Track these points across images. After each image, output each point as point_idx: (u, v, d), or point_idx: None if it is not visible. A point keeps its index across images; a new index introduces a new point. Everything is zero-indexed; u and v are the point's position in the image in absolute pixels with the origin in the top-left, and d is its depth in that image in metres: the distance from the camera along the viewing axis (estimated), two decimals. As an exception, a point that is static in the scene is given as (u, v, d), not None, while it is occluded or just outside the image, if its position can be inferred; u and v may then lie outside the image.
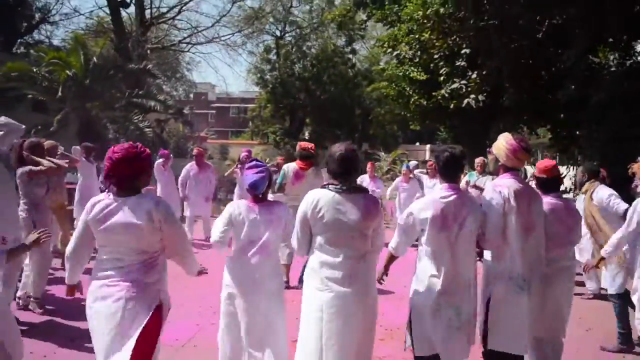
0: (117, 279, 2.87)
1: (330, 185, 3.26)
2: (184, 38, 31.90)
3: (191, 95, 47.08)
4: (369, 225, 3.23)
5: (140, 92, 19.43)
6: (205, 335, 4.93)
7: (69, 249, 3.07)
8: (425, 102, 16.71)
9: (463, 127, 17.82)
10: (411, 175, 10.57)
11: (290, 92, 31.37)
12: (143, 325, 2.82)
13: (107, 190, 2.98)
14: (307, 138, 33.79)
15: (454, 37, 13.06)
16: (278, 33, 33.52)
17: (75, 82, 16.95)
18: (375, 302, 3.34)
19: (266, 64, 32.62)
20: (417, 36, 15.26)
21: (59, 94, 16.48)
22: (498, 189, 3.46)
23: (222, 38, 31.71)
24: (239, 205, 3.69)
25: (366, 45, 34.78)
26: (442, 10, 12.78)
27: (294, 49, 32.57)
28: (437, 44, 13.44)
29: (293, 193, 6.65)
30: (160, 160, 10.03)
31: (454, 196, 3.37)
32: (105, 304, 2.86)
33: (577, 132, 15.22)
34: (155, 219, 2.86)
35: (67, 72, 16.63)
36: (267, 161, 21.28)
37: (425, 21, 13.11)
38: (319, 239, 3.25)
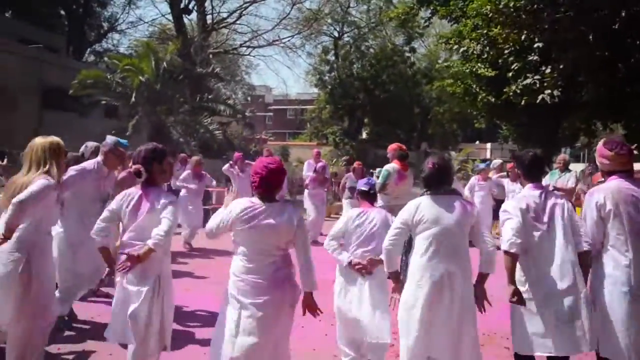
0: (263, 273, 3.27)
1: (427, 192, 3.58)
2: (245, 42, 32.50)
3: (249, 98, 47.92)
4: (466, 224, 3.49)
5: (209, 97, 20.00)
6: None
7: (212, 227, 3.39)
8: (493, 99, 16.31)
9: (532, 124, 17.30)
10: (489, 176, 10.44)
11: (349, 92, 31.40)
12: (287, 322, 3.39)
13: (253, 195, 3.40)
14: (366, 138, 33.77)
15: (526, 31, 12.64)
16: (336, 34, 33.63)
17: (147, 87, 17.59)
18: (469, 299, 3.41)
19: (325, 65, 32.78)
20: (484, 31, 14.87)
21: (133, 99, 17.12)
22: (593, 195, 3.48)
23: (283, 40, 32.10)
24: (354, 211, 4.27)
25: (425, 43, 34.35)
26: (511, 3, 12.41)
27: (352, 49, 32.59)
28: (509, 38, 13.05)
29: (395, 193, 7.01)
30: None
31: (541, 193, 3.55)
32: (259, 301, 3.23)
33: (656, 126, 14.50)
34: (294, 222, 3.35)
35: (140, 78, 17.26)
36: (334, 162, 21.42)
37: (496, 15, 12.75)
38: (419, 239, 3.49)
